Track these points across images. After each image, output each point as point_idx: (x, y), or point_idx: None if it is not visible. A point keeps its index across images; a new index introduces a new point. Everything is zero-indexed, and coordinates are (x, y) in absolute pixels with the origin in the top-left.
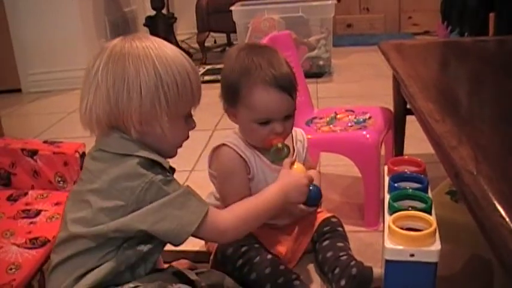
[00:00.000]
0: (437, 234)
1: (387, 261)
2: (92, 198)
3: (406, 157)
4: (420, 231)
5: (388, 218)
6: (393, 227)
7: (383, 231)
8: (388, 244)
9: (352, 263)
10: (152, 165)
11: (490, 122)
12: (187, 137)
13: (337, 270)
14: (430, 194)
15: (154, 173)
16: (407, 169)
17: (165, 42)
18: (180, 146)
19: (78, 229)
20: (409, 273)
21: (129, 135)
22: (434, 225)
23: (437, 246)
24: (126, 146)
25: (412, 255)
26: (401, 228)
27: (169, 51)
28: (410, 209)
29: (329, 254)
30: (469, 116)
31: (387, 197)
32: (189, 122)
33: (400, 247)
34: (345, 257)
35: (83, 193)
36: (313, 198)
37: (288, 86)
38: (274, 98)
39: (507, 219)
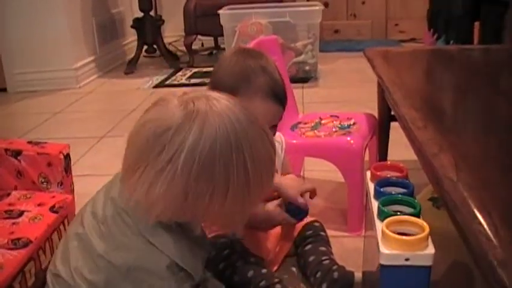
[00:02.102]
0: (429, 238)
1: (382, 266)
2: (106, 270)
3: (389, 162)
4: (411, 235)
5: (378, 223)
6: (388, 232)
7: (364, 236)
8: (383, 249)
9: (334, 267)
10: (180, 270)
11: (472, 130)
12: None
13: (319, 274)
14: None
15: (181, 280)
16: (390, 174)
17: (250, 115)
18: None
19: None
20: (405, 277)
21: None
22: (428, 229)
23: (431, 250)
24: (162, 238)
25: (407, 259)
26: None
27: (262, 148)
28: (399, 213)
29: (311, 258)
30: (451, 123)
31: (374, 202)
32: None
33: (396, 252)
34: (327, 261)
35: (97, 254)
36: (296, 214)
37: (284, 98)
38: (270, 109)
39: (485, 226)
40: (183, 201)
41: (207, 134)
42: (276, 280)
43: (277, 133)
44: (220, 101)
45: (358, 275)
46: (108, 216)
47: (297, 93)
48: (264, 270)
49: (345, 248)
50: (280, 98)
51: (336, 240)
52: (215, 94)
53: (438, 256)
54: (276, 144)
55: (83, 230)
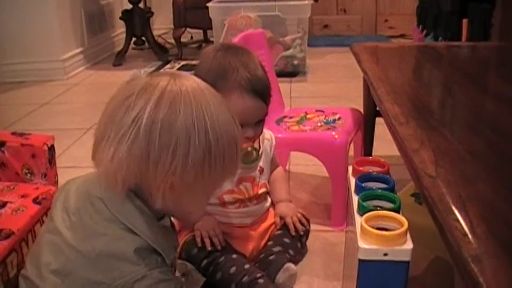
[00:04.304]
0: (408, 233)
1: (361, 261)
2: (76, 260)
3: (371, 158)
4: (390, 230)
5: (357, 218)
6: (367, 227)
7: (346, 231)
8: (362, 244)
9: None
10: (149, 254)
11: (454, 127)
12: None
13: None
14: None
15: (151, 264)
16: (372, 169)
17: (221, 100)
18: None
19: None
20: (383, 272)
21: (148, 203)
22: (406, 224)
23: (409, 245)
24: (134, 217)
25: (385, 254)
26: (372, 228)
27: (222, 115)
28: (379, 208)
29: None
30: (434, 120)
31: (355, 197)
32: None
33: (374, 247)
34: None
35: (66, 245)
36: None
37: (263, 93)
38: (249, 105)
39: (461, 222)
40: (144, 164)
41: (169, 96)
42: (259, 275)
43: (268, 131)
44: (189, 78)
45: (340, 269)
46: (81, 207)
47: (285, 87)
48: (246, 266)
49: (329, 242)
50: (260, 93)
51: (319, 234)
52: (185, 73)
53: (419, 251)
54: (266, 141)
55: (54, 225)
